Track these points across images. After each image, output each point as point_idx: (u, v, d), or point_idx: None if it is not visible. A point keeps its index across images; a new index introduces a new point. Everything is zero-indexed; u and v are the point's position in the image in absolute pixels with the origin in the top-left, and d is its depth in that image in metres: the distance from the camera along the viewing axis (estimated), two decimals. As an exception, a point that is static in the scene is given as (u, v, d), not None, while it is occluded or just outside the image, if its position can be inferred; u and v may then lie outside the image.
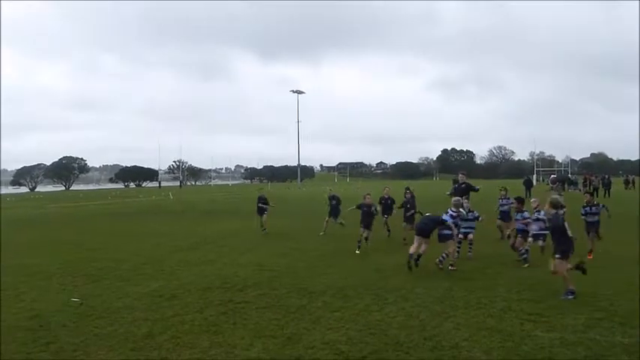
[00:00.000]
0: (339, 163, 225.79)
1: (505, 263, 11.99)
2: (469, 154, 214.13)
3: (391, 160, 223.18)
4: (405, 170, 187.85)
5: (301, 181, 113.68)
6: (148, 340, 6.96)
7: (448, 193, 16.77)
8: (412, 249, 11.62)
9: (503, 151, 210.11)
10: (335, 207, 19.08)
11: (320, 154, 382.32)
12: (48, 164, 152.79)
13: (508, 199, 15.69)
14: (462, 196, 14.24)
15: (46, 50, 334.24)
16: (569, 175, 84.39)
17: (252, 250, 15.28)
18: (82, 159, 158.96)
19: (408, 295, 9.19)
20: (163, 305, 8.85)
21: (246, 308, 8.52)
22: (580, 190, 58.12)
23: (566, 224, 9.32)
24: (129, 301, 9.17)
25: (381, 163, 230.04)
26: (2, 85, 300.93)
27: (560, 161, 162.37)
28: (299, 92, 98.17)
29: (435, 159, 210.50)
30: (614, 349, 6.29)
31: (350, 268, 11.98)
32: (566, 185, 60.99)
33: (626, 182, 60.49)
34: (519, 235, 12.69)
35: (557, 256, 8.91)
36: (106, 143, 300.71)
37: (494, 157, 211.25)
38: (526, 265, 11.79)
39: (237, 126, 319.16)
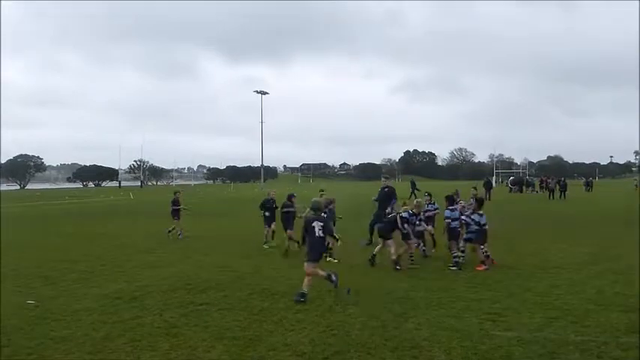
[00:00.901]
0: (303, 164, 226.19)
1: (463, 263, 12.23)
2: (431, 156, 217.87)
3: (354, 161, 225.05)
4: (367, 171, 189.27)
5: (264, 181, 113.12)
6: (106, 343, 6.82)
7: (374, 198, 15.62)
8: (376, 249, 11.86)
9: (464, 152, 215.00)
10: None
11: (284, 154, 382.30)
12: (3, 162, 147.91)
13: (433, 204, 15.35)
14: (386, 203, 14.20)
15: (7, 46, 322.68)
16: (527, 178, 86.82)
17: (216, 251, 15.14)
18: (38, 157, 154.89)
19: (369, 296, 9.28)
20: (122, 307, 8.67)
21: (208, 310, 8.43)
22: (537, 191, 60.04)
23: None
24: (87, 304, 8.95)
25: (344, 164, 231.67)
26: None
27: (518, 163, 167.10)
28: (263, 93, 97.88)
29: (397, 160, 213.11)
30: (567, 347, 6.51)
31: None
32: (524, 187, 62.88)
33: (587, 185, 62.68)
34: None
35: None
36: (65, 141, 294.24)
37: (455, 159, 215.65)
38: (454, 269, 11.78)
39: (201, 126, 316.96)
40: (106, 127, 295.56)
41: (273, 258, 13.83)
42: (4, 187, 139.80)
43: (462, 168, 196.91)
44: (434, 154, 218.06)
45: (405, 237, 12.21)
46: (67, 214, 32.71)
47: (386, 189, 15.02)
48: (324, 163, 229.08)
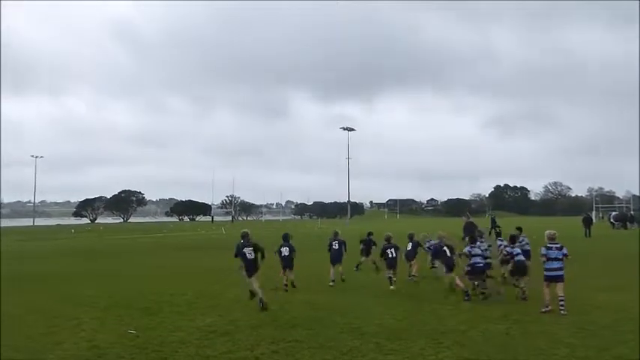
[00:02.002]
0: (389, 200, 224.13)
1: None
2: (523, 191, 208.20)
3: (442, 196, 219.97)
4: (456, 207, 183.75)
5: (350, 217, 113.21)
6: (201, 377, 6.98)
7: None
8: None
9: (559, 187, 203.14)
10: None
11: (370, 190, 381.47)
12: (108, 197, 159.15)
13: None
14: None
15: (118, 89, 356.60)
16: (632, 212, 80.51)
17: (304, 287, 15.19)
18: (140, 192, 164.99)
19: (463, 339, 8.88)
20: (216, 341, 8.89)
21: (298, 347, 8.44)
22: (643, 228, 55.20)
23: None
24: (182, 336, 9.27)
25: (432, 199, 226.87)
26: (75, 120, 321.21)
27: (620, 197, 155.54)
28: (349, 129, 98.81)
29: (487, 196, 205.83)
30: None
31: (403, 308, 11.72)
32: (628, 223, 58.08)
33: None
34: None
35: None
36: (164, 177, 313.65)
37: (549, 194, 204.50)
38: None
39: (290, 163, 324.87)
40: (201, 165, 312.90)
41: (363, 295, 13.66)
42: (110, 220, 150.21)
43: (558, 203, 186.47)
44: (526, 188, 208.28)
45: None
46: (165, 247, 34.41)
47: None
48: (411, 199, 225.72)
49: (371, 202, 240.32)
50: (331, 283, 15.44)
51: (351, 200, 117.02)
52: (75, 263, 23.59)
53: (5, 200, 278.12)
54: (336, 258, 15.95)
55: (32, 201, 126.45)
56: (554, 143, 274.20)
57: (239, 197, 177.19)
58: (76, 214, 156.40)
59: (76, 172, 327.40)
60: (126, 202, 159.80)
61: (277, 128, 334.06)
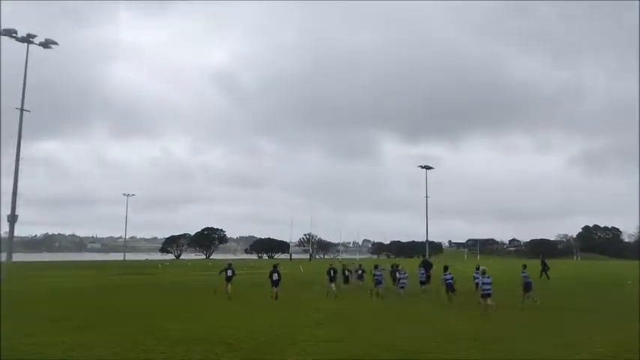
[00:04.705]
0: (469, 240, 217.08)
1: None
2: (615, 231, 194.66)
3: (525, 237, 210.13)
4: (540, 248, 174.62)
5: (429, 257, 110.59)
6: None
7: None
8: None
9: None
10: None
11: (449, 230, 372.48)
12: (192, 234, 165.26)
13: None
14: None
15: (214, 135, 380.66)
16: None
17: (385, 328, 15.06)
18: (221, 230, 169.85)
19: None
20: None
21: None
22: None
23: None
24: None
25: (514, 240, 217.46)
26: (175, 164, 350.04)
27: None
28: (427, 167, 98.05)
29: (575, 236, 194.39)
30: None
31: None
32: None
33: None
34: None
35: None
36: (245, 216, 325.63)
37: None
38: None
39: (369, 202, 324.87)
40: (283, 203, 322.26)
41: (439, 338, 13.37)
42: (193, 256, 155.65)
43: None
44: (618, 229, 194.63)
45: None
46: (246, 284, 35.10)
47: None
48: (492, 239, 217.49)
49: (449, 242, 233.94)
50: None
51: (430, 239, 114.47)
52: (159, 297, 24.71)
53: (98, 235, 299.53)
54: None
55: (123, 237, 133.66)
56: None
57: (317, 236, 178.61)
58: (162, 250, 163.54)
59: (167, 210, 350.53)
60: (208, 239, 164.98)
61: (359, 169, 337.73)
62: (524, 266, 21.96)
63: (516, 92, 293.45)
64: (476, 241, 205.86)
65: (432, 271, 28.99)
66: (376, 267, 26.35)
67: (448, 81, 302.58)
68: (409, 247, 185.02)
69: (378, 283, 25.21)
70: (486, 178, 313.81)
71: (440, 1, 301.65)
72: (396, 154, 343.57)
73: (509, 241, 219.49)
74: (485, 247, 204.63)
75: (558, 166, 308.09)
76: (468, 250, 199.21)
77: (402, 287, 24.14)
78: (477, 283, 20.31)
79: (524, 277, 21.18)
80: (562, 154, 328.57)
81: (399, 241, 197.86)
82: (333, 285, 24.96)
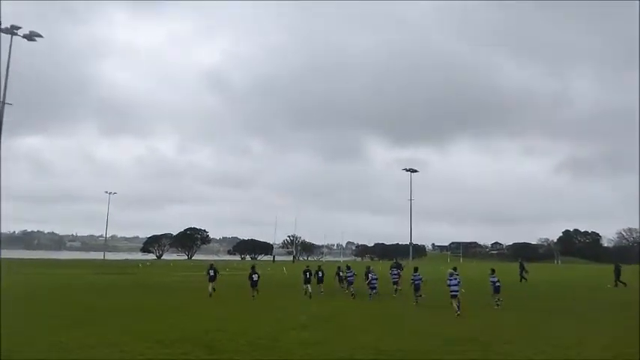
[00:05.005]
0: (452, 243, 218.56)
1: None
2: (595, 236, 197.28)
3: (508, 240, 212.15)
4: (522, 251, 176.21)
5: (412, 259, 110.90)
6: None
7: None
8: None
9: (634, 234, 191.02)
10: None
11: (433, 233, 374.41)
12: (174, 234, 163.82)
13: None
14: None
15: (203, 134, 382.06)
16: None
17: (368, 330, 14.91)
18: (204, 230, 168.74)
19: None
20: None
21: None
22: None
23: None
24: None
25: (497, 243, 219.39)
26: (162, 163, 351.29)
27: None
28: (412, 171, 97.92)
29: (555, 240, 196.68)
30: None
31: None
32: None
33: None
34: None
35: None
36: (229, 216, 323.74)
37: (624, 240, 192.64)
38: None
39: (354, 204, 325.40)
40: (267, 204, 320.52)
41: (436, 341, 13.25)
42: (175, 256, 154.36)
43: (632, 250, 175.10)
44: (598, 234, 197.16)
45: None
46: (228, 285, 34.77)
47: None
48: (475, 242, 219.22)
49: (433, 245, 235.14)
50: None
51: (414, 242, 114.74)
52: (140, 298, 24.33)
53: (79, 234, 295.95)
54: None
55: (104, 235, 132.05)
56: (630, 187, 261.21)
57: (300, 237, 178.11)
58: (144, 250, 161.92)
59: (151, 209, 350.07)
60: (191, 239, 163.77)
61: (346, 171, 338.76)
62: (493, 270, 22.45)
63: (505, 97, 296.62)
64: (459, 244, 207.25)
65: (402, 273, 29.88)
66: (348, 268, 28.55)
67: (437, 84, 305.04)
68: (393, 250, 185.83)
69: (350, 283, 26.91)
70: (472, 181, 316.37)
71: (430, 6, 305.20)
72: (384, 157, 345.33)
73: (492, 244, 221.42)
74: (468, 250, 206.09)
75: (544, 170, 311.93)
76: (451, 253, 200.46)
77: (373, 288, 25.03)
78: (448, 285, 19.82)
79: (493, 281, 21.61)
80: (548, 160, 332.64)
81: (382, 244, 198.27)
82: (308, 286, 25.96)
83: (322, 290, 27.04)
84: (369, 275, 25.76)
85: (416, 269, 23.47)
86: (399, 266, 30.78)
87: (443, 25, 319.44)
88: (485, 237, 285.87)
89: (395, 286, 27.45)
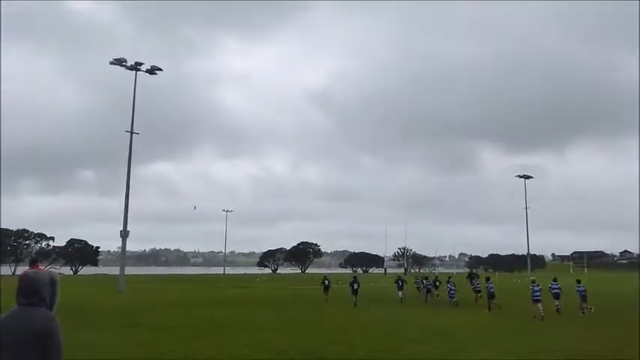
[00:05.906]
0: (574, 252, 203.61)
1: None
2: None
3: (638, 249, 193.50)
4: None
5: (531, 270, 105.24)
6: None
7: None
8: None
9: None
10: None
11: (554, 242, 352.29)
12: (288, 248, 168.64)
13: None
14: None
15: (316, 151, 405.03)
16: None
17: (490, 345, 14.52)
18: (316, 244, 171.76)
19: None
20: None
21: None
22: None
23: None
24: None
25: (626, 251, 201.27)
26: (275, 181, 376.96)
27: None
28: (526, 177, 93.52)
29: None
30: None
31: None
32: None
33: None
34: None
35: None
36: (340, 230, 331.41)
37: None
38: None
39: (466, 214, 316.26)
40: (377, 218, 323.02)
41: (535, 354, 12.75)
42: (289, 270, 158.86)
43: None
44: None
45: None
46: (340, 298, 35.39)
47: None
48: (601, 251, 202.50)
49: (553, 255, 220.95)
50: None
51: (531, 252, 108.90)
52: (260, 311, 25.48)
53: (200, 250, 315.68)
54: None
55: (223, 251, 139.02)
56: None
57: (411, 249, 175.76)
58: (260, 264, 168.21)
59: (265, 226, 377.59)
60: (303, 253, 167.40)
61: (455, 181, 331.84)
62: (578, 281, 24.41)
63: (623, 93, 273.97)
64: (582, 253, 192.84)
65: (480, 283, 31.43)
66: (426, 278, 34.51)
67: (551, 87, 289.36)
68: (508, 260, 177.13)
69: (451, 297, 29.23)
70: (593, 186, 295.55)
71: (540, 7, 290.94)
72: (497, 165, 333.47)
73: (621, 253, 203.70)
74: (593, 260, 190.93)
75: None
76: (574, 263, 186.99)
77: (452, 297, 28.36)
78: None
79: (580, 290, 23.33)
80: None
81: (497, 254, 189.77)
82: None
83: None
84: (448, 285, 29.25)
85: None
86: (475, 276, 36.03)
87: (551, 27, 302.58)
88: (611, 245, 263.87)
89: (476, 295, 29.54)
